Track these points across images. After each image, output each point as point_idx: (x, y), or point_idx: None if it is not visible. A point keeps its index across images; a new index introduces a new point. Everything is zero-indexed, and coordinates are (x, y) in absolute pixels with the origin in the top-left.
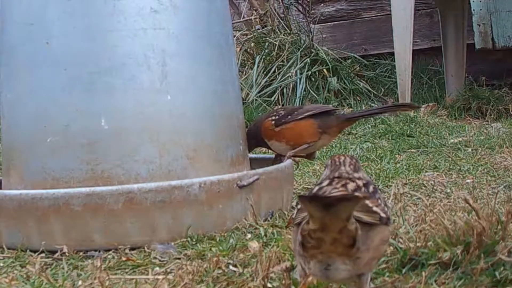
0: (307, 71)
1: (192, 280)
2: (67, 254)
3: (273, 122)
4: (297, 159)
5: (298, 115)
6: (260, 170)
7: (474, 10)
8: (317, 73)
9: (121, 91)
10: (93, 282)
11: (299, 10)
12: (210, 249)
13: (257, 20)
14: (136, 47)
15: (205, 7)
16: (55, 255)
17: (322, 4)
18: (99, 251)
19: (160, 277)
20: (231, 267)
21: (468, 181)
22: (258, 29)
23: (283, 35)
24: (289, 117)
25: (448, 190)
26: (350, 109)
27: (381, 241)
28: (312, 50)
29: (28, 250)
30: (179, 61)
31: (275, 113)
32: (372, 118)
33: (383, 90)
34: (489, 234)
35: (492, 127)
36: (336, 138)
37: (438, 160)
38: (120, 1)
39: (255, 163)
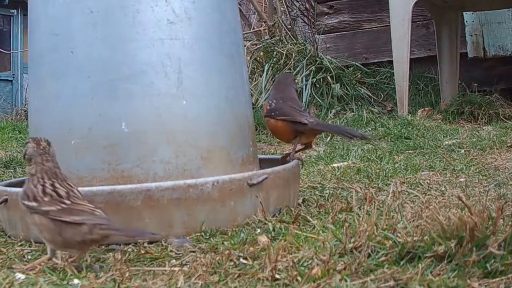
0: (312, 78)
1: (206, 272)
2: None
3: (266, 109)
4: (297, 155)
5: (279, 114)
6: (268, 170)
7: (467, 21)
8: (321, 80)
9: (140, 96)
10: (114, 273)
11: (305, 22)
12: (223, 243)
13: (266, 31)
14: (154, 56)
15: (218, 19)
16: None
17: (326, 16)
18: (120, 245)
19: (176, 269)
20: (242, 259)
21: (461, 180)
22: (267, 39)
23: (290, 44)
24: (273, 113)
25: (443, 188)
26: (352, 113)
27: None
28: (317, 58)
29: None
30: (193, 69)
31: (273, 100)
32: (373, 122)
33: (382, 95)
34: (480, 229)
35: (483, 130)
36: (339, 140)
37: (434, 161)
38: (139, 13)
39: (264, 163)
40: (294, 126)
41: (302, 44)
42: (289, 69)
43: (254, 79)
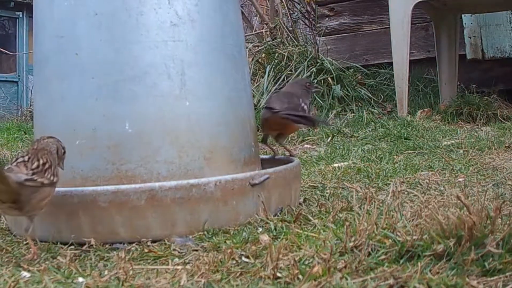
0: (313, 80)
1: (208, 270)
2: (94, 246)
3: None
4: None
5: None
6: (270, 170)
7: (465, 23)
8: (322, 81)
9: (144, 97)
10: (118, 271)
11: (306, 24)
12: (225, 242)
13: (268, 33)
14: (157, 58)
15: (220, 21)
16: (83, 247)
17: (327, 18)
18: (124, 244)
19: (179, 267)
20: (244, 258)
21: (460, 179)
22: (269, 41)
23: (291, 46)
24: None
25: (442, 188)
26: (352, 114)
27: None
28: (318, 60)
29: (58, 243)
30: (196, 71)
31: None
32: (373, 123)
33: (382, 96)
34: (479, 228)
35: (482, 130)
36: (340, 141)
37: (433, 161)
38: (142, 16)
39: (265, 163)
40: (264, 115)
41: (303, 46)
42: (290, 70)
43: (256, 81)
